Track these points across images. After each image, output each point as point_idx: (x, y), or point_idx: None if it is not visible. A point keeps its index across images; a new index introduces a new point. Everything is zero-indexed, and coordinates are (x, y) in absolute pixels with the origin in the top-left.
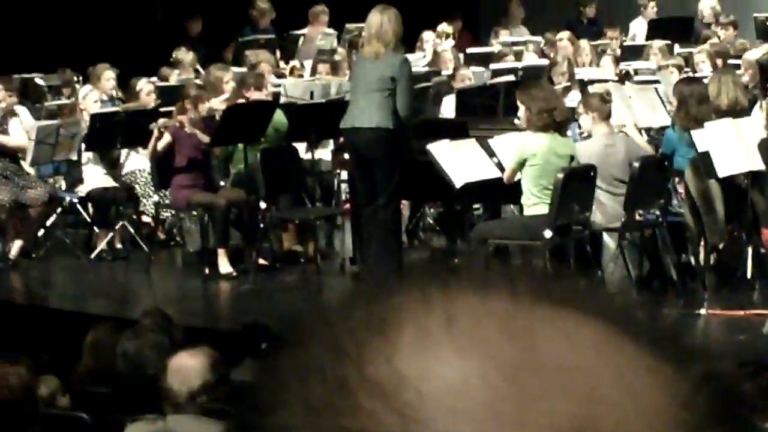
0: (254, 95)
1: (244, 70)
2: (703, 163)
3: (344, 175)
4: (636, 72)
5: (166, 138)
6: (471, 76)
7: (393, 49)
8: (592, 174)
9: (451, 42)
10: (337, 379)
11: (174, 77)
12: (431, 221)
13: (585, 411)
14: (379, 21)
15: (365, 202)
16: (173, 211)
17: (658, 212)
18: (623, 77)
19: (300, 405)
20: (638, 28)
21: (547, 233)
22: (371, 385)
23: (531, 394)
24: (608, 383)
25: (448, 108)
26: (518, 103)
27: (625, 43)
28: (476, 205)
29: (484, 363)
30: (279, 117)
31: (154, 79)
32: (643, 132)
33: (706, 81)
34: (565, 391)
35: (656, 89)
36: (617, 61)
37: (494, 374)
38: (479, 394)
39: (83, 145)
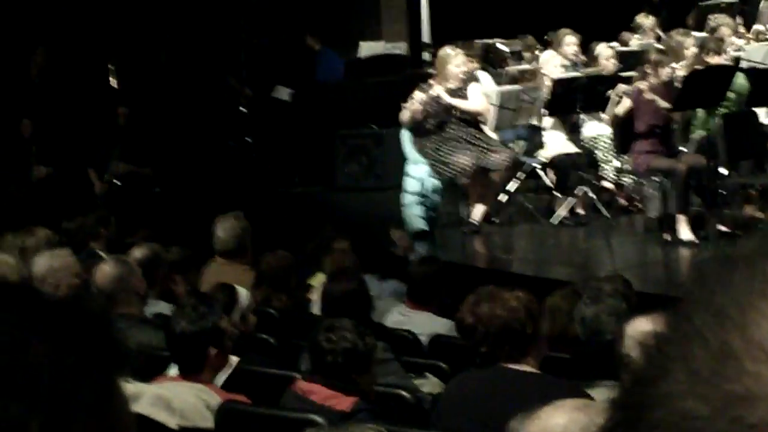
0: (714, 60)
1: (705, 35)
2: None
3: None
4: None
5: (626, 103)
6: None
7: None
8: None
9: None
10: (721, 345)
11: (634, 42)
12: None
13: None
14: None
15: None
16: (634, 177)
17: None
18: None
19: (683, 373)
20: None
21: None
22: (756, 347)
23: None
24: None
25: None
26: None
27: None
28: None
29: None
30: (740, 81)
31: (614, 44)
32: None
33: None
34: None
35: None
36: None
37: None
38: None
39: (544, 111)
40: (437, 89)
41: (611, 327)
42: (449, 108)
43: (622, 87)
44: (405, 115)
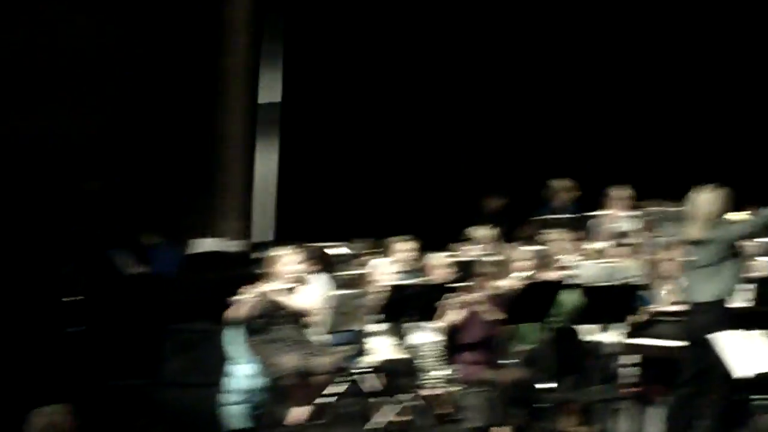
0: (546, 275)
1: (538, 248)
2: None
3: (628, 358)
4: None
5: (456, 314)
6: None
7: (715, 227)
8: None
9: None
10: None
11: (469, 253)
12: None
13: None
14: (703, 201)
15: (682, 383)
16: (458, 386)
17: None
18: None
19: None
20: None
21: None
22: None
23: None
24: None
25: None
26: None
27: None
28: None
29: None
30: (570, 297)
31: (449, 253)
32: None
33: None
34: None
35: None
36: None
37: None
38: None
39: (375, 316)
40: (269, 287)
41: None
42: (279, 307)
43: (453, 297)
44: (234, 312)
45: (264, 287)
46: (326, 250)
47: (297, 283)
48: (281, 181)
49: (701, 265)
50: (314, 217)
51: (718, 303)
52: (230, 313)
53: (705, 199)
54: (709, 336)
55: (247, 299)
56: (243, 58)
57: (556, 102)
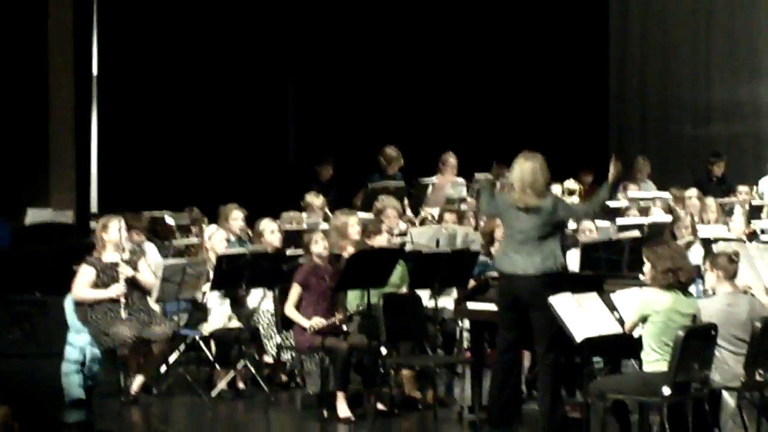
0: (379, 241)
1: (371, 216)
2: None
3: (466, 323)
4: (763, 231)
5: (297, 289)
6: (595, 230)
7: (543, 195)
8: (713, 332)
9: (576, 198)
10: None
11: (302, 220)
12: None
13: None
14: (529, 169)
15: (505, 349)
16: (295, 353)
17: None
18: (751, 236)
19: None
20: (766, 187)
21: (666, 390)
22: None
23: None
24: None
25: (571, 261)
26: (644, 259)
27: (753, 202)
28: (596, 359)
29: None
30: (403, 263)
31: (281, 221)
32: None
33: None
34: None
35: None
36: (748, 219)
37: None
38: None
39: (209, 285)
40: (112, 257)
41: None
42: (117, 277)
43: (316, 320)
44: (78, 283)
45: (107, 259)
46: (158, 219)
47: (132, 253)
48: (104, 152)
49: (525, 236)
50: (139, 188)
51: (542, 275)
52: (75, 285)
53: (529, 167)
54: (548, 300)
55: (89, 270)
56: (69, 30)
57: (389, 69)
